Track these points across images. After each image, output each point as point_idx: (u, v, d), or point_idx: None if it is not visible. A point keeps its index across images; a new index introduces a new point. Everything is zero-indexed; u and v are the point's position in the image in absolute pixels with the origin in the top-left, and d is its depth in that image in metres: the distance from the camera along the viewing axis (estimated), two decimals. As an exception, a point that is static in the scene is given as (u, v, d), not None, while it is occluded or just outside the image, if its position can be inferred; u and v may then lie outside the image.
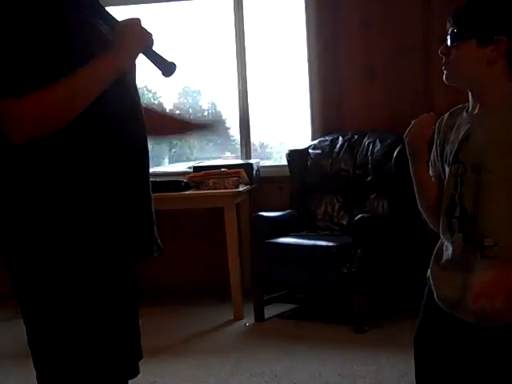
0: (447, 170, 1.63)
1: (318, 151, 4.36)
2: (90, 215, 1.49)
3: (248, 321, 4.03)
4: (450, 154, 1.61)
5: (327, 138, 4.39)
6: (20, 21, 1.40)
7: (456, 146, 1.60)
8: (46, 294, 1.52)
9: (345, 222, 4.16)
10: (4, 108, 1.39)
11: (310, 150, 4.40)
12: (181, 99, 5.29)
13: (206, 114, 5.44)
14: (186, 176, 4.31)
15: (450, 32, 1.58)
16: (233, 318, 4.09)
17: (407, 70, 4.35)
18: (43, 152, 1.46)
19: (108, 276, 1.54)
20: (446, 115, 1.72)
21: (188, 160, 5.10)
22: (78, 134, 1.46)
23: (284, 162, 4.47)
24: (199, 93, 5.25)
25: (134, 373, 1.67)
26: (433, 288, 1.68)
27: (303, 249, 3.85)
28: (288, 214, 4.29)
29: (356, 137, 4.26)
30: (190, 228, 4.67)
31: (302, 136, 4.78)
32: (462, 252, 1.58)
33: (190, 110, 5.43)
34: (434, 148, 1.73)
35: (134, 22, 1.53)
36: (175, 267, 4.63)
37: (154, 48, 1.57)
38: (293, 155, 4.41)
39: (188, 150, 5.30)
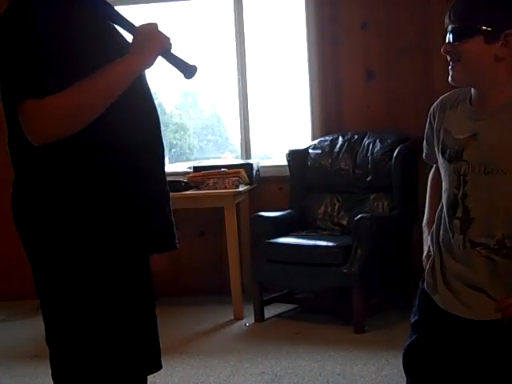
0: (446, 164, 1.59)
1: (318, 151, 4.36)
2: (110, 210, 1.51)
3: (248, 321, 4.03)
4: (451, 150, 1.56)
5: (327, 137, 4.39)
6: (41, 23, 1.42)
7: (461, 143, 1.54)
8: (65, 290, 1.53)
9: (345, 222, 4.16)
10: (26, 109, 1.41)
11: (310, 150, 4.40)
12: (181, 99, 5.30)
13: (205, 114, 5.45)
14: (186, 176, 4.31)
15: (451, 29, 1.54)
16: (233, 317, 4.09)
17: (407, 70, 4.35)
18: (61, 151, 1.48)
19: (127, 270, 1.56)
20: (444, 99, 1.67)
21: (188, 160, 5.10)
22: (97, 132, 1.48)
23: (284, 161, 4.47)
24: (199, 93, 5.25)
25: (155, 367, 1.68)
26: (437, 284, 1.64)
27: (303, 249, 3.85)
28: (288, 214, 4.29)
29: (356, 137, 4.26)
30: (190, 228, 4.67)
31: (302, 136, 4.77)
32: (465, 252, 1.56)
33: (190, 110, 5.44)
34: (430, 133, 1.68)
35: (152, 27, 1.56)
36: (175, 267, 4.63)
37: (173, 51, 1.61)
38: (293, 155, 4.41)
39: (188, 150, 5.30)
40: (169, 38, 1.58)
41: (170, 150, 5.21)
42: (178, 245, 1.67)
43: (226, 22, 4.79)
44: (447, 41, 1.55)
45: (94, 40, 1.50)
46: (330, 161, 4.28)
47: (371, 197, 4.11)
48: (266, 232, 4.02)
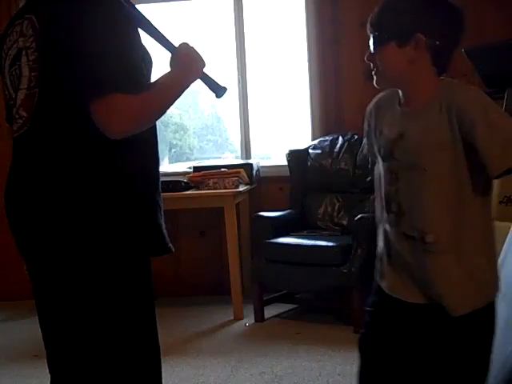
0: (381, 161, 1.68)
1: (318, 151, 4.36)
2: (113, 215, 1.52)
3: (248, 321, 4.03)
4: (385, 148, 1.65)
5: (327, 137, 4.39)
6: (118, 25, 1.51)
7: (391, 142, 1.63)
8: (67, 293, 1.53)
9: (345, 222, 4.16)
10: (114, 101, 1.44)
11: (310, 150, 4.40)
12: (181, 99, 5.28)
13: (205, 114, 5.45)
14: (186, 176, 4.31)
15: (371, 38, 1.61)
16: (233, 317, 4.09)
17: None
18: (75, 159, 1.51)
19: (129, 272, 1.56)
20: (379, 99, 1.74)
21: (188, 160, 5.10)
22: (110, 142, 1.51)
23: (284, 162, 4.47)
24: (199, 93, 5.25)
25: (157, 369, 1.67)
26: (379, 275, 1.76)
27: (303, 249, 3.85)
28: (288, 213, 4.29)
29: (356, 137, 4.26)
30: (190, 228, 4.67)
31: (302, 136, 4.77)
32: (400, 243, 1.65)
33: (190, 110, 5.44)
34: (368, 132, 1.76)
35: (190, 48, 1.68)
36: (175, 267, 4.63)
37: (206, 71, 1.72)
38: (293, 155, 4.41)
39: (188, 150, 5.30)
40: (203, 58, 1.69)
41: (169, 150, 5.21)
42: (173, 248, 1.68)
43: (226, 22, 4.79)
44: (370, 49, 1.63)
45: (135, 46, 1.59)
46: (329, 161, 4.28)
47: (371, 197, 4.11)
48: (266, 232, 4.03)
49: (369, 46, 1.62)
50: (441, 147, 1.54)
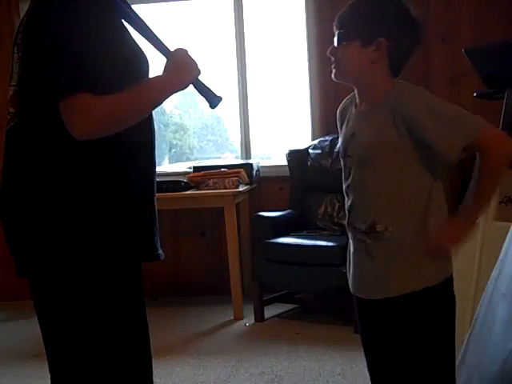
0: (340, 158, 1.78)
1: (318, 151, 4.36)
2: (103, 218, 1.50)
3: (248, 321, 4.03)
4: (341, 146, 1.76)
5: (327, 138, 4.39)
6: (95, 20, 1.47)
7: (346, 140, 1.74)
8: (60, 297, 1.52)
9: (345, 222, 4.15)
10: (79, 101, 1.41)
11: (310, 150, 4.40)
12: (181, 99, 5.30)
13: (205, 114, 5.45)
14: (186, 176, 4.31)
15: (336, 33, 1.71)
16: (233, 318, 4.09)
17: (407, 70, 4.33)
18: (67, 156, 1.49)
19: (119, 278, 1.55)
20: (345, 100, 1.84)
21: (188, 160, 5.10)
22: (100, 143, 1.49)
23: (284, 162, 4.47)
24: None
25: (148, 371, 1.66)
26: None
27: (303, 249, 3.85)
28: (288, 213, 4.29)
29: (356, 137, 4.26)
30: (190, 228, 4.67)
31: (302, 136, 4.77)
32: (353, 238, 1.78)
33: (190, 110, 5.44)
34: (339, 133, 1.85)
35: (186, 53, 1.61)
36: (175, 267, 4.63)
37: (201, 78, 1.66)
38: (293, 155, 4.41)
39: (188, 150, 5.30)
40: (198, 65, 1.63)
41: (169, 150, 5.21)
42: (162, 256, 1.67)
43: (226, 22, 4.79)
44: (333, 44, 1.74)
45: (133, 54, 1.57)
46: (329, 161, 4.28)
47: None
48: (266, 232, 4.02)
49: (333, 40, 1.72)
50: (387, 146, 1.63)
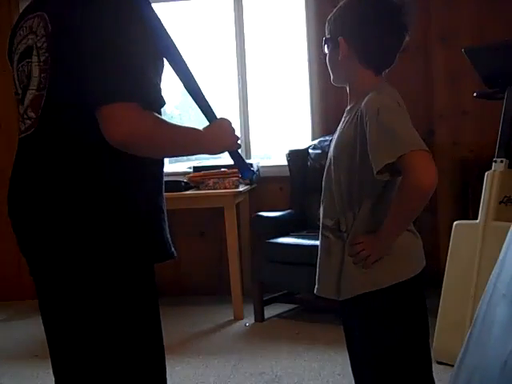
0: None
1: (318, 151, 4.36)
2: (114, 221, 1.50)
3: (248, 321, 4.03)
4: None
5: (327, 138, 4.39)
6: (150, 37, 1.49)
7: (331, 140, 1.83)
8: (73, 299, 1.51)
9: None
10: (122, 110, 1.40)
11: (310, 150, 4.40)
12: (181, 99, 5.30)
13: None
14: (186, 176, 4.31)
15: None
16: (233, 317, 4.09)
17: (407, 70, 4.35)
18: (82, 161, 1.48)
19: (133, 280, 1.54)
20: None
21: (188, 160, 5.10)
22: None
23: (284, 162, 4.47)
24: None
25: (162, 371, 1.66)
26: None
27: (303, 249, 3.85)
28: (288, 213, 4.29)
29: (356, 137, 4.26)
30: (190, 228, 4.67)
31: (302, 136, 4.78)
32: (321, 234, 1.81)
33: (190, 111, 5.44)
34: None
35: (230, 125, 1.67)
36: (175, 267, 4.63)
37: (239, 150, 1.74)
38: (293, 155, 4.41)
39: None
40: (238, 138, 1.69)
41: (170, 150, 5.21)
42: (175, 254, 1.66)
43: (226, 22, 4.79)
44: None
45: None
46: (330, 161, 4.28)
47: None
48: (266, 232, 4.02)
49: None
50: (347, 146, 1.69)
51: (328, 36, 1.78)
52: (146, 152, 1.49)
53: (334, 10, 1.80)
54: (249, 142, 4.82)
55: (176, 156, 1.62)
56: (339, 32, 1.73)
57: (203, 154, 1.68)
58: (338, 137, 1.76)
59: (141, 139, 1.45)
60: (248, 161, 4.53)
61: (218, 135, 1.64)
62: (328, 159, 1.80)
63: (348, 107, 1.78)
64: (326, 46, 1.80)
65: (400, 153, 1.52)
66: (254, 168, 1.76)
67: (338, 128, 1.79)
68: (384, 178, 1.59)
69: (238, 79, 4.77)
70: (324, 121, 4.58)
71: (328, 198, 1.78)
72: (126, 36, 1.42)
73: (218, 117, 1.68)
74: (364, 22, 1.70)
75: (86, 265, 1.48)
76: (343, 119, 1.78)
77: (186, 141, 1.57)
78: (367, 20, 1.70)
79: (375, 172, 1.57)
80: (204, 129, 1.63)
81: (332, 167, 1.75)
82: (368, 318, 1.70)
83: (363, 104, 1.64)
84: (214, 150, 1.66)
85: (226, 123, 1.66)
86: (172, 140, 1.52)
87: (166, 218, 1.64)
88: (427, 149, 1.55)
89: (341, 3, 1.79)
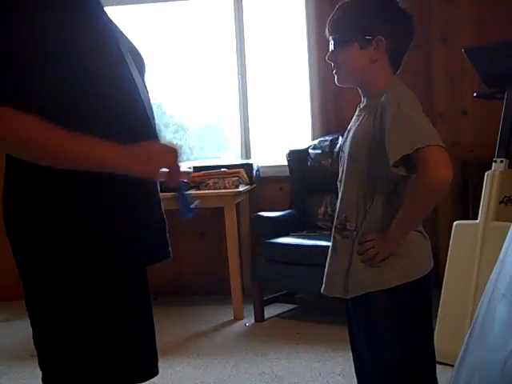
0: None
1: (318, 151, 4.36)
2: (108, 218, 1.47)
3: (248, 321, 4.03)
4: (342, 142, 1.81)
5: (327, 137, 4.39)
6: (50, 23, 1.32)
7: (344, 137, 1.79)
8: (54, 295, 1.50)
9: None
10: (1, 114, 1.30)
11: (310, 150, 4.40)
12: (181, 99, 5.29)
13: (205, 114, 5.44)
14: (186, 176, 4.30)
15: (331, 39, 1.76)
16: (233, 317, 4.09)
17: (407, 70, 4.34)
18: None
19: (126, 277, 1.53)
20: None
21: (188, 160, 5.10)
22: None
23: (284, 162, 4.47)
24: (199, 93, 5.25)
25: (150, 374, 1.63)
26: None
27: (303, 249, 3.85)
28: (288, 214, 4.29)
29: (356, 137, 4.26)
30: (189, 228, 4.67)
31: (302, 136, 4.77)
32: (331, 235, 1.79)
33: (190, 110, 5.43)
34: None
35: (171, 150, 1.46)
36: (175, 267, 4.63)
37: (186, 190, 1.57)
38: (293, 155, 4.41)
39: (188, 150, 5.30)
40: (181, 174, 1.49)
41: (169, 150, 5.20)
42: (171, 254, 1.64)
43: (226, 22, 4.79)
44: (330, 50, 1.78)
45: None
46: (330, 161, 4.28)
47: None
48: (266, 232, 4.02)
49: (329, 46, 1.76)
50: (365, 142, 1.66)
51: (343, 35, 1.73)
52: (26, 158, 1.35)
53: (344, 9, 1.77)
54: (249, 142, 4.81)
55: (73, 167, 1.36)
56: (375, 31, 1.67)
57: (117, 172, 1.40)
58: (354, 134, 1.72)
59: (16, 145, 1.33)
60: (248, 161, 4.54)
61: (143, 158, 1.40)
62: (341, 159, 1.77)
63: (361, 105, 1.77)
64: (340, 43, 1.73)
65: (418, 145, 1.52)
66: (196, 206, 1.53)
67: (351, 126, 1.76)
68: (399, 172, 1.58)
69: (238, 79, 4.77)
70: (324, 121, 4.58)
71: (341, 198, 1.76)
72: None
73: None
74: (395, 22, 1.70)
75: (77, 262, 1.46)
76: (356, 117, 1.76)
77: (85, 154, 1.34)
78: (398, 20, 1.71)
79: (391, 163, 1.55)
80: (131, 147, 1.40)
81: (345, 165, 1.73)
82: (374, 317, 1.71)
83: (383, 99, 1.64)
84: (131, 173, 1.41)
85: (160, 149, 1.46)
86: (65, 150, 1.32)
87: (162, 215, 1.61)
88: (444, 146, 1.54)
89: (350, 2, 1.77)
